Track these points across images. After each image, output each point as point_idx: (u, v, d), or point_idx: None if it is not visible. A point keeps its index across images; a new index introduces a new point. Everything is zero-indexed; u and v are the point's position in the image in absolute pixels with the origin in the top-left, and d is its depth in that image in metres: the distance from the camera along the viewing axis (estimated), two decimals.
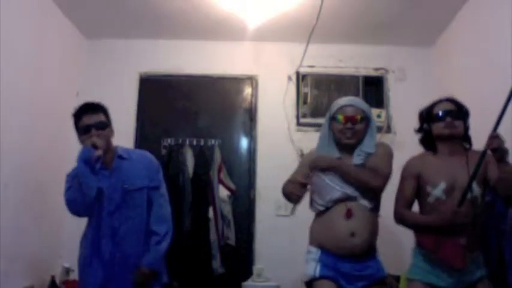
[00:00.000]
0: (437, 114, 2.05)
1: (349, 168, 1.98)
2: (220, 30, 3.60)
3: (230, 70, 3.78)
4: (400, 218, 2.08)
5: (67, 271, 3.23)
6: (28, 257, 2.92)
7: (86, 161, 2.05)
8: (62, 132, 3.45)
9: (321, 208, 2.01)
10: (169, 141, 3.55)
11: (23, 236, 2.84)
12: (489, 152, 1.80)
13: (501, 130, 2.42)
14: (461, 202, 1.85)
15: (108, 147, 2.19)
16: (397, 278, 3.03)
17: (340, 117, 2.01)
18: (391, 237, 3.10)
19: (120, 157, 2.23)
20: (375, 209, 2.03)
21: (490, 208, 2.08)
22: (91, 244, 2.17)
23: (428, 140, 2.12)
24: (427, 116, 2.12)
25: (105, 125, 2.17)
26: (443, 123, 2.02)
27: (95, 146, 2.07)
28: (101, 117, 2.16)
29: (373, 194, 2.01)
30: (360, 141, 2.05)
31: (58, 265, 3.23)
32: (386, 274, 1.93)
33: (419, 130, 2.16)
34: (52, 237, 3.27)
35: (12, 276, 2.71)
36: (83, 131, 2.13)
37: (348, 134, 2.01)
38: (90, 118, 2.12)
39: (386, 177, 1.99)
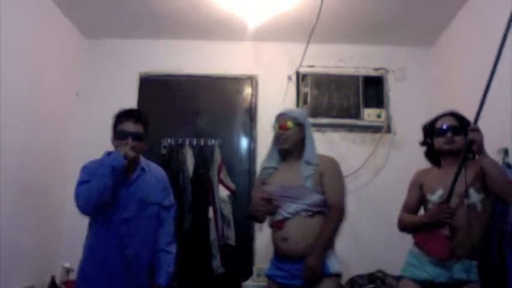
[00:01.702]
0: (439, 128, 2.08)
1: (324, 241, 2.05)
2: (220, 30, 3.60)
3: (230, 70, 3.78)
4: (400, 224, 2.15)
5: (67, 271, 3.23)
6: (28, 257, 2.92)
7: (114, 167, 2.04)
8: (62, 132, 3.46)
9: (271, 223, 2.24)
10: (169, 141, 3.55)
11: (23, 236, 2.85)
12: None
13: (501, 130, 2.43)
14: (449, 196, 1.90)
15: (136, 159, 2.20)
16: (397, 278, 3.03)
17: (275, 125, 2.28)
18: (391, 238, 3.10)
19: (143, 169, 2.25)
20: (317, 213, 2.11)
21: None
22: (99, 256, 2.12)
23: (432, 154, 2.15)
24: (429, 130, 2.14)
25: (142, 137, 2.17)
26: (444, 139, 2.05)
27: (125, 157, 2.06)
28: (141, 129, 2.17)
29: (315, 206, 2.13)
30: (298, 148, 2.22)
31: (58, 265, 3.24)
32: (332, 271, 2.02)
33: (423, 143, 2.19)
34: (52, 237, 3.28)
35: (12, 276, 2.71)
36: (120, 136, 2.14)
37: (280, 139, 2.24)
38: (131, 126, 2.14)
39: (343, 208, 2.14)
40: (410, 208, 2.15)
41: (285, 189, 2.14)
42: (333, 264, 2.04)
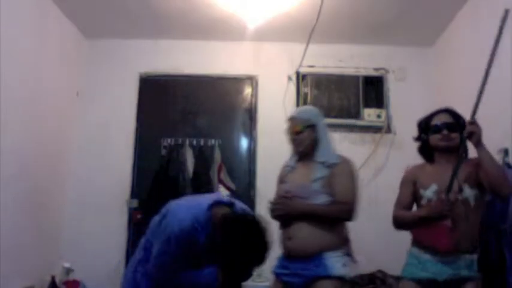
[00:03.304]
0: (435, 125, 2.08)
1: (314, 208, 2.07)
2: (220, 30, 3.60)
3: (230, 70, 3.78)
4: (396, 220, 2.12)
5: (67, 271, 3.23)
6: (28, 257, 2.92)
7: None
8: (62, 132, 3.46)
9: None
10: (169, 141, 3.56)
11: (23, 236, 2.85)
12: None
13: (501, 130, 2.43)
14: (449, 188, 1.88)
15: None
16: (397, 278, 3.03)
17: (288, 129, 2.25)
18: (391, 238, 3.10)
19: None
20: None
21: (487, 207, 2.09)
22: None
23: (426, 150, 2.14)
24: (425, 126, 2.14)
25: None
26: (440, 135, 2.04)
27: None
28: None
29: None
30: (314, 148, 2.18)
31: (58, 265, 3.24)
32: (333, 273, 1.99)
33: (418, 139, 2.19)
34: (52, 237, 3.28)
35: (12, 276, 2.71)
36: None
37: (294, 144, 2.22)
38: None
39: (352, 205, 2.09)
40: (404, 205, 2.12)
41: (296, 188, 2.13)
42: (335, 267, 2.01)
